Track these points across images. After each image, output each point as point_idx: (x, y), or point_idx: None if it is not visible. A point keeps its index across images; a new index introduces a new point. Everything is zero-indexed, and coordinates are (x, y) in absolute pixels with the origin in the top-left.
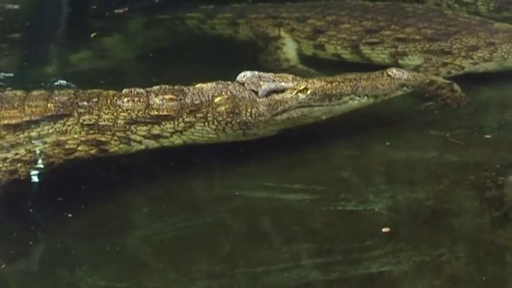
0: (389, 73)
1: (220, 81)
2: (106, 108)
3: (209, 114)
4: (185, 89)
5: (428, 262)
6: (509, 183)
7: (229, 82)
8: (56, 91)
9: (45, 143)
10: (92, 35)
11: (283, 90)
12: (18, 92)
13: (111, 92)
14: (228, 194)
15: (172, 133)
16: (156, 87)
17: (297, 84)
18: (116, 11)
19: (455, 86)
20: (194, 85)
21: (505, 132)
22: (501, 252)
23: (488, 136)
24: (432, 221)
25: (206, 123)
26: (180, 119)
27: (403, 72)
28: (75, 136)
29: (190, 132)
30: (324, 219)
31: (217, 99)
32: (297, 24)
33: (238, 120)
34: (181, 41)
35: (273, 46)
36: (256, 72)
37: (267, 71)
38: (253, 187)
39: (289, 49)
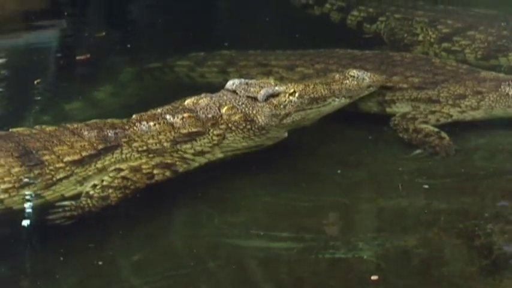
0: (352, 74)
1: (205, 93)
2: (142, 134)
3: (230, 125)
4: (185, 105)
5: None
6: (498, 231)
7: (219, 94)
8: (67, 125)
9: (122, 170)
10: (36, 82)
11: (278, 94)
12: (41, 126)
13: (117, 121)
14: (217, 242)
15: (211, 147)
16: (159, 110)
17: (286, 88)
18: (77, 57)
19: (443, 134)
20: (181, 102)
21: (494, 180)
22: None
23: (476, 184)
24: (421, 269)
25: (234, 133)
26: (210, 133)
27: (363, 72)
28: (143, 161)
29: (226, 143)
30: (312, 268)
31: (224, 110)
32: (286, 72)
33: (256, 127)
34: (170, 89)
35: None
36: (242, 80)
37: None
38: (242, 235)
39: None
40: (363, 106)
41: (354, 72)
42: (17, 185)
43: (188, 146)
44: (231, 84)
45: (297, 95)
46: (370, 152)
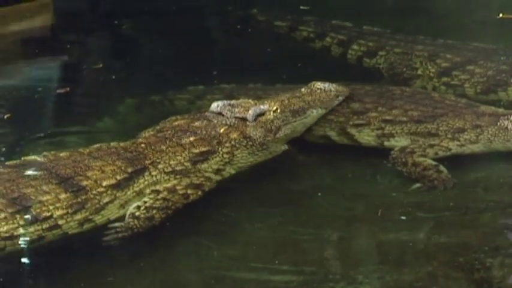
0: (318, 86)
1: (195, 116)
2: (162, 156)
3: (233, 142)
4: (180, 128)
5: None
6: (498, 265)
7: (208, 117)
8: (80, 150)
9: (160, 191)
10: (5, 116)
11: (264, 113)
12: (52, 153)
13: (122, 144)
14: (217, 275)
15: (224, 165)
16: (162, 134)
17: (269, 106)
18: (58, 91)
19: (442, 168)
20: (170, 124)
21: (493, 214)
22: None
23: (476, 217)
24: None
25: (240, 150)
26: (220, 151)
27: (328, 84)
28: (175, 182)
29: (236, 160)
30: None
31: (222, 130)
32: None
33: (256, 143)
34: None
35: None
36: (225, 101)
37: None
38: (242, 268)
39: None
40: (362, 140)
41: (319, 84)
42: (70, 210)
43: (206, 165)
44: (215, 106)
45: (279, 110)
46: (369, 185)
